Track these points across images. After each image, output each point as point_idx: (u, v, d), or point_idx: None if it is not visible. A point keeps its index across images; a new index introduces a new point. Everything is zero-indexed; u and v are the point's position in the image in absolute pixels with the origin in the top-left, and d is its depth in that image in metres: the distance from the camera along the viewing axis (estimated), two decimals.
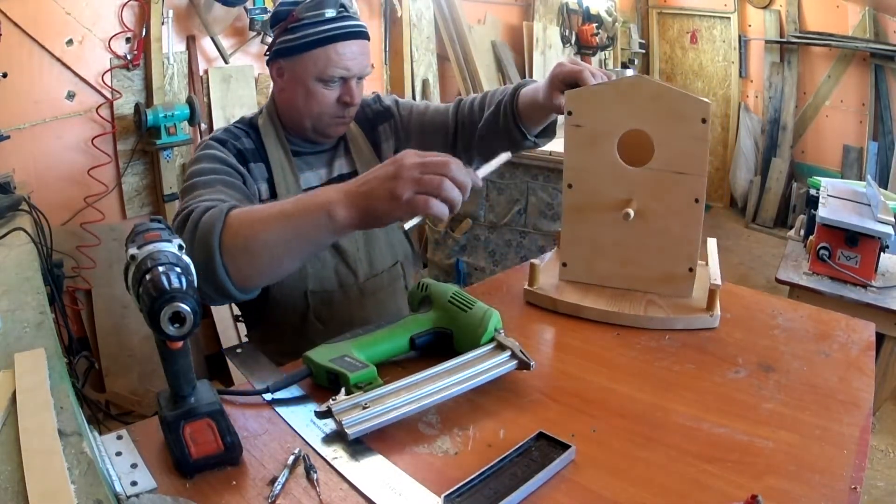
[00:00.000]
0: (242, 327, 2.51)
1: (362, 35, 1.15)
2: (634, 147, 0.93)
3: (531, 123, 1.18)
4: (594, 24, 4.32)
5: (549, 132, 1.22)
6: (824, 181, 2.35)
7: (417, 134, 1.30)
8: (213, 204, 0.93)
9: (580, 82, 1.02)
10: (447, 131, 1.28)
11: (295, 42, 1.11)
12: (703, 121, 0.88)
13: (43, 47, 2.05)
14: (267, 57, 1.20)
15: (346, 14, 1.13)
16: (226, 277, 0.85)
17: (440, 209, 0.77)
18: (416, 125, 1.31)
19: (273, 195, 1.14)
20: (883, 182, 4.03)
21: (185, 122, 2.33)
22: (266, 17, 2.52)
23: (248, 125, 1.20)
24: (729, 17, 4.96)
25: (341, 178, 1.23)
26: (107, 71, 2.22)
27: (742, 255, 4.29)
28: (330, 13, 1.11)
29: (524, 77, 3.93)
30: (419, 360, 0.78)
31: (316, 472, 0.60)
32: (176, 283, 0.56)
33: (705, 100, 0.88)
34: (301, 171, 1.19)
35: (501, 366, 0.74)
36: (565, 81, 1.05)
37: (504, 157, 0.92)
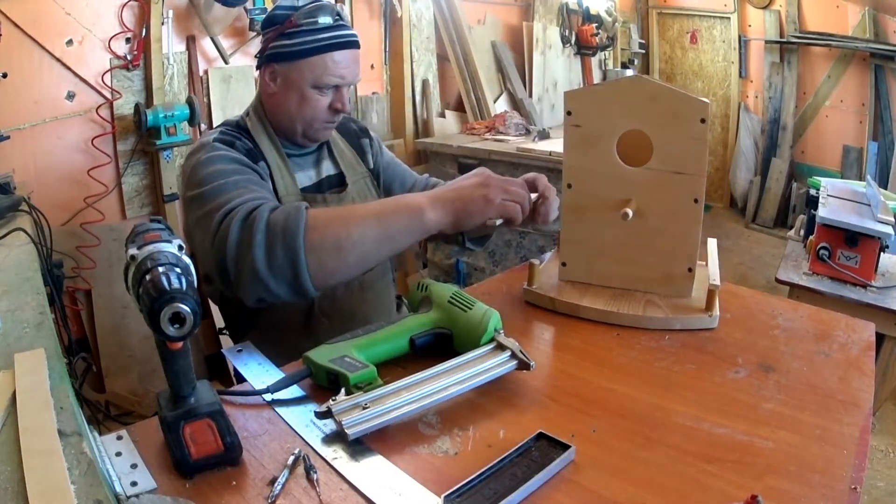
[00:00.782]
0: None
1: (356, 45, 1.19)
2: (634, 147, 0.93)
3: (470, 232, 1.25)
4: (594, 25, 4.33)
5: (483, 241, 1.32)
6: (824, 181, 2.35)
7: (386, 173, 1.39)
8: (261, 201, 0.96)
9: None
10: (410, 192, 1.35)
11: (292, 48, 1.13)
12: (703, 121, 0.88)
13: (43, 47, 2.05)
14: (258, 59, 1.21)
15: (341, 23, 1.16)
16: (307, 275, 0.90)
17: (519, 213, 0.95)
18: (388, 167, 1.40)
19: (274, 193, 1.15)
20: (883, 182, 4.03)
21: (185, 123, 2.33)
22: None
23: (238, 128, 1.21)
24: (729, 18, 4.96)
25: (329, 179, 1.27)
26: (107, 71, 2.22)
27: (742, 255, 4.29)
28: (327, 21, 1.13)
29: (524, 78, 3.93)
30: (419, 361, 0.78)
31: (316, 472, 0.60)
32: (176, 284, 0.56)
33: (704, 100, 0.88)
34: (293, 171, 1.21)
35: (501, 366, 0.74)
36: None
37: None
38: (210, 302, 2.52)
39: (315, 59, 1.13)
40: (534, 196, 1.01)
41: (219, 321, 2.57)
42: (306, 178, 1.25)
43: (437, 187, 1.15)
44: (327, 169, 1.29)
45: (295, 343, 1.18)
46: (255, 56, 1.24)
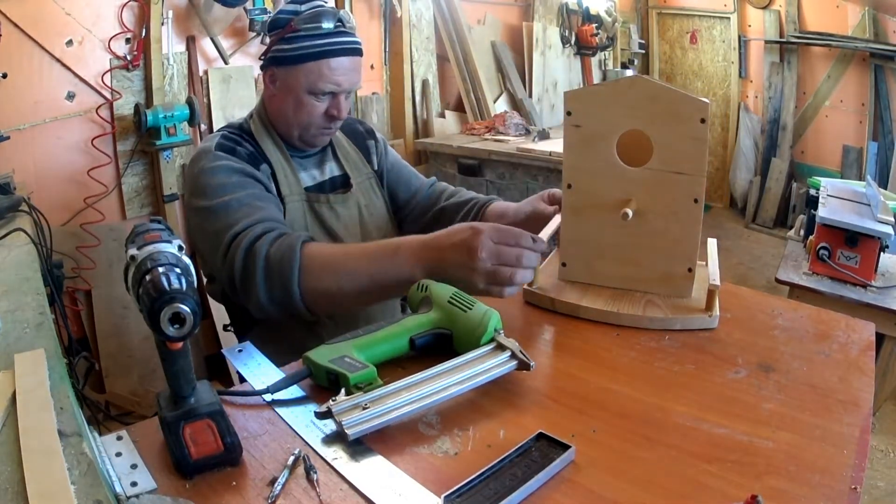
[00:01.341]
0: None
1: (356, 52, 1.18)
2: (633, 147, 0.93)
3: None
4: (594, 25, 4.33)
5: None
6: (824, 181, 2.35)
7: (390, 175, 1.40)
8: (263, 229, 1.02)
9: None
10: (413, 196, 1.39)
11: (290, 52, 1.13)
12: (702, 121, 0.88)
13: (43, 48, 2.06)
14: (261, 62, 1.21)
15: (343, 29, 1.16)
16: (305, 309, 0.99)
17: (511, 292, 0.89)
18: (393, 168, 1.40)
19: (278, 193, 1.17)
20: (883, 182, 4.03)
21: (185, 123, 2.33)
22: (266, 17, 2.53)
23: (241, 130, 1.22)
24: (728, 18, 4.96)
25: (333, 181, 1.28)
26: (106, 71, 2.22)
27: (742, 255, 4.30)
28: (328, 26, 1.13)
29: (524, 78, 3.94)
30: (419, 361, 0.78)
31: (316, 472, 0.60)
32: (176, 284, 0.56)
33: (704, 99, 0.88)
34: (297, 171, 1.22)
35: (501, 366, 0.74)
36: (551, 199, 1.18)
37: (557, 219, 1.02)
38: (211, 302, 2.53)
39: (311, 66, 1.13)
40: (552, 225, 1.01)
41: (221, 320, 2.58)
42: (310, 178, 1.26)
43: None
44: (331, 170, 1.30)
45: (298, 342, 1.19)
46: (259, 58, 1.25)
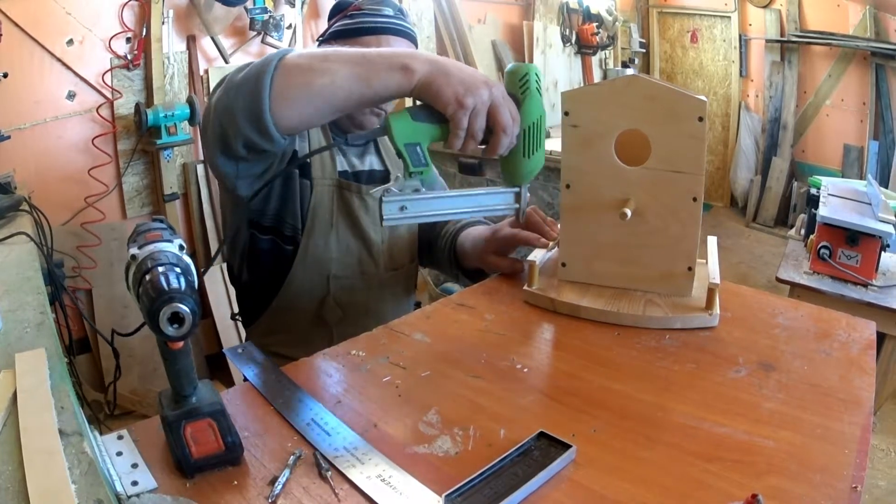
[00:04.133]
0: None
1: (412, 38, 1.22)
2: (632, 146, 0.93)
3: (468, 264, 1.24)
4: (594, 24, 4.32)
5: (478, 277, 1.20)
6: (825, 180, 2.35)
7: (425, 184, 1.38)
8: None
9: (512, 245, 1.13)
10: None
11: (352, 25, 1.18)
12: (700, 119, 0.88)
13: (43, 47, 2.06)
14: (319, 41, 1.25)
15: (401, 17, 1.22)
16: (270, 120, 0.84)
17: (462, 140, 0.83)
18: (429, 178, 1.38)
19: (309, 175, 1.16)
20: (884, 181, 4.02)
21: (186, 122, 2.34)
22: (266, 17, 2.53)
23: None
24: (729, 17, 4.96)
25: (371, 174, 1.27)
26: (107, 71, 2.22)
27: (742, 254, 4.29)
28: (388, 11, 1.20)
29: None
30: None
31: (317, 471, 0.60)
32: (175, 284, 0.56)
33: (702, 98, 0.88)
34: (335, 155, 1.22)
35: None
36: (500, 246, 1.14)
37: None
38: (211, 302, 2.53)
39: (370, 38, 1.16)
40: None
41: (222, 319, 2.58)
42: (347, 165, 1.25)
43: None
44: (371, 163, 1.29)
45: (306, 330, 1.20)
46: (317, 39, 1.28)
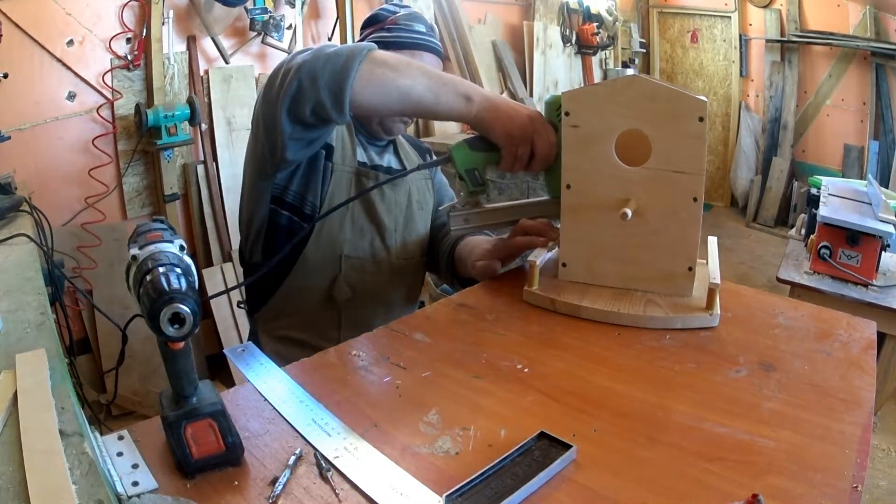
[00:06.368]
0: (243, 326, 2.52)
1: (440, 55, 1.33)
2: (632, 147, 0.93)
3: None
4: (594, 24, 4.33)
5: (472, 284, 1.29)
6: (825, 180, 2.35)
7: (436, 190, 1.45)
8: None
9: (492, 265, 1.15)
10: (437, 218, 1.42)
11: (390, 38, 1.26)
12: (700, 119, 0.88)
13: (43, 48, 2.06)
14: None
15: (432, 35, 1.31)
16: (349, 94, 0.95)
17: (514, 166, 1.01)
18: (440, 187, 1.46)
19: (328, 158, 1.22)
20: (884, 181, 4.03)
21: (186, 123, 2.34)
22: (266, 17, 2.53)
23: None
24: (729, 17, 4.96)
25: (389, 170, 1.33)
26: (107, 71, 2.23)
27: (743, 254, 4.29)
28: (421, 28, 1.29)
29: (525, 77, 3.93)
30: None
31: (317, 471, 0.60)
32: (175, 284, 0.56)
33: (702, 98, 0.88)
34: (356, 147, 1.28)
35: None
36: (508, 253, 1.16)
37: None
38: (211, 301, 2.53)
39: (405, 53, 1.21)
40: None
41: (223, 320, 2.58)
42: (367, 157, 1.30)
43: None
44: (389, 161, 1.36)
45: (315, 311, 1.24)
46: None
